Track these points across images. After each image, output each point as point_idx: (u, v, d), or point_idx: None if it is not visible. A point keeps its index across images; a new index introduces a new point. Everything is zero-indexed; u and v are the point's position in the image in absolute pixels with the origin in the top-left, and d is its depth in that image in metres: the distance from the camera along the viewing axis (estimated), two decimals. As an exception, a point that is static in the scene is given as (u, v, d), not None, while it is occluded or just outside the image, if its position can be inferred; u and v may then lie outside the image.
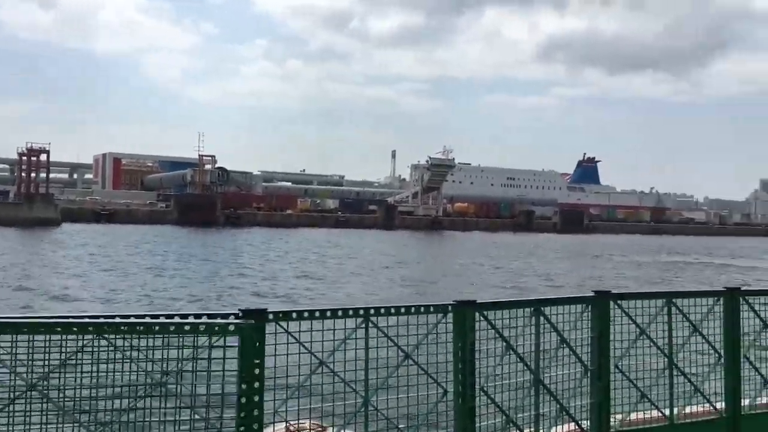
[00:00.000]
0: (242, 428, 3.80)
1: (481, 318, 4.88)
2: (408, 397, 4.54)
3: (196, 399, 3.77)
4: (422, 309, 4.68)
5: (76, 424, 3.58)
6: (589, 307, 5.44)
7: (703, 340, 6.03)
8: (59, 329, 3.55)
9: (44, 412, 3.56)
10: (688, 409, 5.87)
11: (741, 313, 6.16)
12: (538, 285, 37.93)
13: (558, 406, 5.30)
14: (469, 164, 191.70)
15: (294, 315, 4.18)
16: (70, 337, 3.56)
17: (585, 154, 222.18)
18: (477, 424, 4.87)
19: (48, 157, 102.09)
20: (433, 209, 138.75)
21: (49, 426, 3.56)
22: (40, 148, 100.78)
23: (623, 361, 5.64)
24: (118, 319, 3.73)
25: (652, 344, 5.79)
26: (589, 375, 5.45)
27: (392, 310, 4.54)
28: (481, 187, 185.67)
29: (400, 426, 4.51)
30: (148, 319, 3.77)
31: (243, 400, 3.81)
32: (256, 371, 3.83)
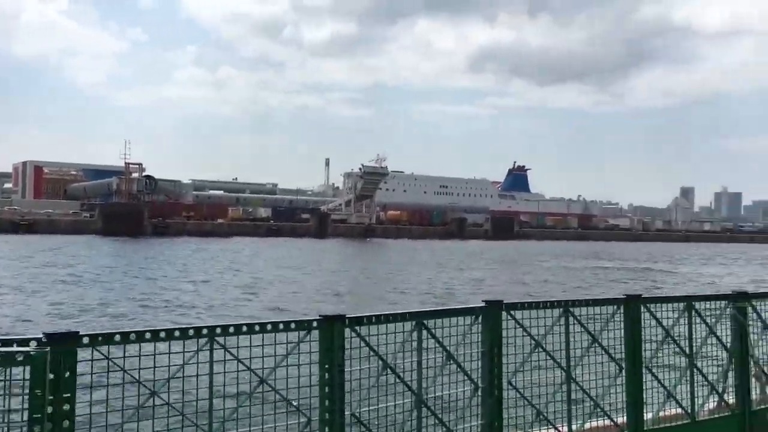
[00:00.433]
0: None
1: (508, 317, 5.05)
2: (450, 393, 4.64)
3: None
4: (459, 311, 4.96)
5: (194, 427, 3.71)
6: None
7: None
8: (177, 335, 3.78)
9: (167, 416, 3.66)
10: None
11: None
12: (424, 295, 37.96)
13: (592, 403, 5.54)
14: (402, 172, 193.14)
15: (365, 320, 4.15)
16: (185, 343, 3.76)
17: (515, 162, 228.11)
18: (506, 416, 5.04)
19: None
20: (366, 217, 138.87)
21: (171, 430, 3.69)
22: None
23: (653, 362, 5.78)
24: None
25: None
26: (623, 373, 5.60)
27: (438, 314, 4.74)
28: (414, 195, 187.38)
29: (445, 421, 4.56)
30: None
31: (326, 389, 4.12)
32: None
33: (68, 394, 3.30)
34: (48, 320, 24.38)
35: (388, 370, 4.53)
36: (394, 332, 4.62)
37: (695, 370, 6.11)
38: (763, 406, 6.52)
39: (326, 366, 4.28)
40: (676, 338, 6.03)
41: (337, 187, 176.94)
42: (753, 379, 6.66)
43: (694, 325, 6.21)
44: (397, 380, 4.60)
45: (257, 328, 4.03)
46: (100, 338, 3.49)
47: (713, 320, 6.45)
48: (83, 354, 3.43)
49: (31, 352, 3.23)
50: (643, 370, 5.85)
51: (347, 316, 4.42)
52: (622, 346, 5.83)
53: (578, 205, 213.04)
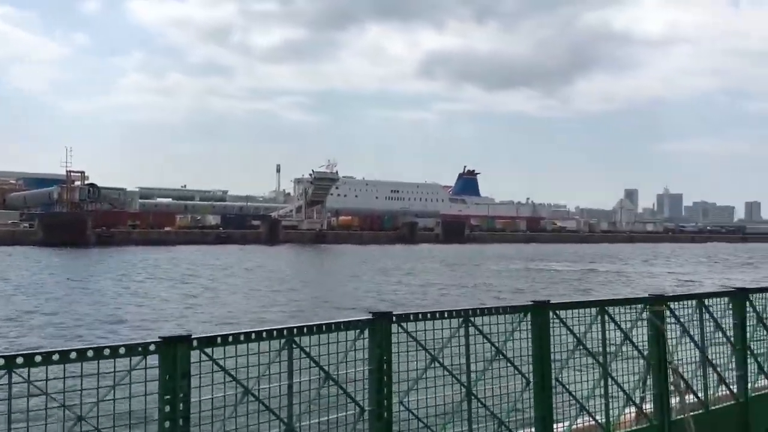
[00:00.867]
0: None
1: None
2: (500, 387, 4.89)
3: None
4: (508, 309, 5.20)
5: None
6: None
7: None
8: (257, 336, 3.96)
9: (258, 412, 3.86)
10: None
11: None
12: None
13: (624, 396, 5.95)
14: (354, 177, 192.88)
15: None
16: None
17: (465, 166, 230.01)
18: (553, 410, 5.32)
19: None
20: (317, 223, 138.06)
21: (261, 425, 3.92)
22: None
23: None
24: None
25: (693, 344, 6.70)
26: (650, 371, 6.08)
27: (486, 311, 4.96)
28: (366, 200, 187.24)
29: (495, 413, 4.82)
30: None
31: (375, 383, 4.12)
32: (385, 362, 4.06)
33: (182, 395, 3.64)
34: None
35: (435, 363, 4.76)
36: (441, 328, 4.91)
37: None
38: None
39: (377, 358, 4.56)
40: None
41: (288, 194, 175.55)
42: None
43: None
44: (446, 373, 4.88)
45: (324, 328, 4.30)
46: (205, 340, 3.75)
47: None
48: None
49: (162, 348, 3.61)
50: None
51: (394, 313, 4.70)
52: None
53: (527, 208, 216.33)
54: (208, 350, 3.78)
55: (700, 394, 6.92)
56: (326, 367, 4.28)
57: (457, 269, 62.44)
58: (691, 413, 6.44)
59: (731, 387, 7.30)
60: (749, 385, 7.52)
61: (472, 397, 5.05)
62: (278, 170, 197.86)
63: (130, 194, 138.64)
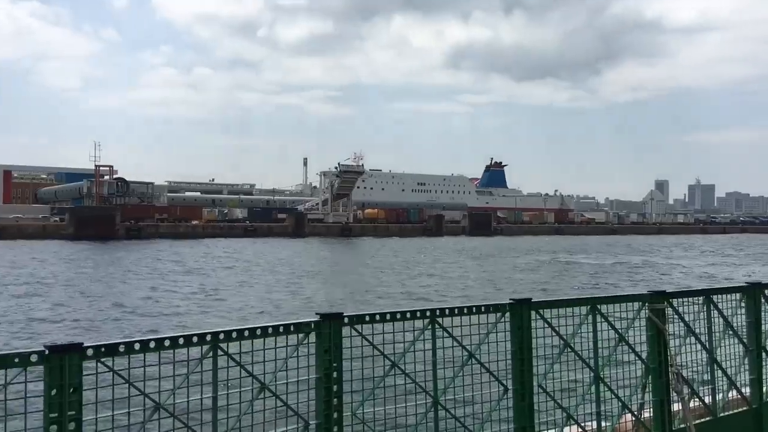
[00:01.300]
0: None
1: (538, 316, 5.03)
2: (473, 395, 4.69)
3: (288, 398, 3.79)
4: (482, 309, 4.83)
5: None
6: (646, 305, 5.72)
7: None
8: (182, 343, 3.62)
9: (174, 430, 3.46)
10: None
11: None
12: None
13: (620, 404, 5.57)
14: (380, 170, 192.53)
15: (367, 318, 4.23)
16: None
17: (492, 158, 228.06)
18: (536, 421, 5.05)
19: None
20: (343, 216, 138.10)
21: None
22: None
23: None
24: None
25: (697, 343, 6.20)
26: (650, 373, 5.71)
27: (456, 311, 4.64)
28: (392, 192, 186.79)
29: (466, 425, 4.61)
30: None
31: (323, 392, 3.98)
32: (335, 370, 3.99)
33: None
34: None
35: (396, 369, 4.55)
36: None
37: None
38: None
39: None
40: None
41: (315, 187, 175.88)
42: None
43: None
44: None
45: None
46: (103, 349, 3.35)
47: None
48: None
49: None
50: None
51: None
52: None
53: (555, 201, 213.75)
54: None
55: (707, 400, 6.43)
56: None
57: (483, 261, 61.86)
58: (697, 421, 5.97)
59: (743, 391, 6.79)
60: (764, 389, 7.01)
61: (439, 407, 4.58)
62: (305, 163, 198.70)
63: (159, 188, 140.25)
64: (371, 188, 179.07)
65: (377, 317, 4.33)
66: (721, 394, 6.58)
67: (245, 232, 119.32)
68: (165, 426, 3.46)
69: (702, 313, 6.58)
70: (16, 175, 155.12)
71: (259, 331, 3.80)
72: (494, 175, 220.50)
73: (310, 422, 4.05)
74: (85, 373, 3.28)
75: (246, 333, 3.76)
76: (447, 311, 4.60)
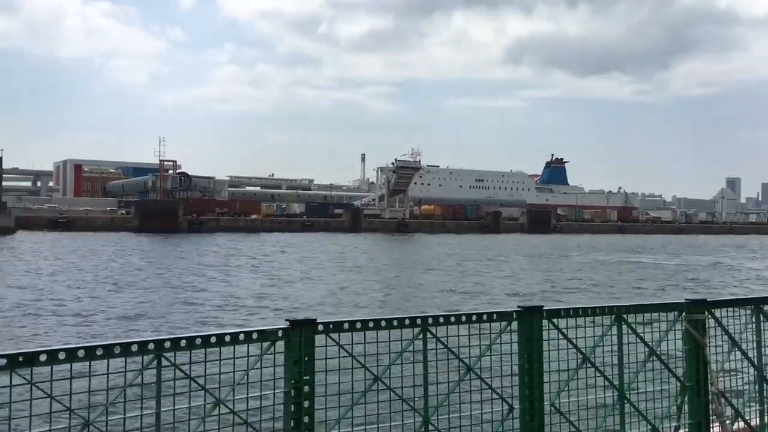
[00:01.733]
0: None
1: (550, 326, 4.56)
2: (471, 415, 4.22)
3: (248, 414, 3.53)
4: (484, 317, 4.36)
5: None
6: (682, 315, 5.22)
7: None
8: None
9: None
10: None
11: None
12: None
13: (650, 427, 4.97)
14: (438, 166, 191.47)
15: (345, 325, 3.88)
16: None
17: (553, 155, 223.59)
18: None
19: (0, 163, 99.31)
20: (399, 212, 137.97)
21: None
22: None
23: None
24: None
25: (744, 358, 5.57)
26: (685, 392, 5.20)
27: (452, 319, 4.21)
28: (449, 189, 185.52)
29: None
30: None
31: (292, 408, 3.67)
32: (306, 384, 3.72)
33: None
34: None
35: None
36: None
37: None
38: None
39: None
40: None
41: (372, 182, 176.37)
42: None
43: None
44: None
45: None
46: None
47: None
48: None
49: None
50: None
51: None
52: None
53: (618, 198, 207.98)
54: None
55: (753, 423, 5.80)
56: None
57: (538, 261, 60.55)
58: None
59: None
60: None
61: (431, 427, 4.10)
62: (362, 159, 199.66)
63: (220, 183, 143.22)
64: (428, 184, 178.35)
65: (358, 325, 3.89)
66: None
67: (302, 227, 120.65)
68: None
69: (750, 325, 5.95)
70: (86, 169, 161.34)
71: (214, 339, 3.43)
72: (555, 171, 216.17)
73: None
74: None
75: (198, 341, 3.41)
76: (441, 319, 4.14)
